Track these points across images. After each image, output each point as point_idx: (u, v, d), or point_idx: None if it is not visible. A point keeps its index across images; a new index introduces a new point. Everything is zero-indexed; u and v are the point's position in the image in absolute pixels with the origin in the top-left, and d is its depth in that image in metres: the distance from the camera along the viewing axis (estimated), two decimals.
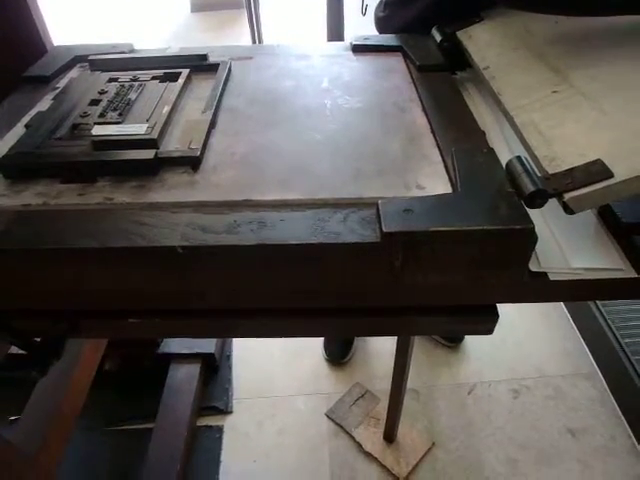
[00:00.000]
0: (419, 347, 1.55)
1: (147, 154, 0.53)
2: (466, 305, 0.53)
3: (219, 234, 0.45)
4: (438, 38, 0.74)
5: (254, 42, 2.57)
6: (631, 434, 1.32)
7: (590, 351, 1.53)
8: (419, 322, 0.54)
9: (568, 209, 0.42)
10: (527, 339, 1.58)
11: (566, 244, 0.49)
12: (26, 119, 0.63)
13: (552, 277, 0.47)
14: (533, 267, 0.47)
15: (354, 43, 0.79)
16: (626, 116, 0.46)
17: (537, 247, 0.47)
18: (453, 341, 1.55)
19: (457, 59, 0.72)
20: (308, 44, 0.82)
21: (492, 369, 1.50)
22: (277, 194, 0.50)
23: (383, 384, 1.42)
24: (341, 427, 1.37)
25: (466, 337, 1.56)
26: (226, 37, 3.81)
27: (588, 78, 0.53)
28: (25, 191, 0.52)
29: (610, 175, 0.41)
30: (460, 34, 0.73)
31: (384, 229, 0.43)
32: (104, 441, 1.36)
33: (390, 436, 1.31)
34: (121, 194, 0.51)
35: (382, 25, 1.00)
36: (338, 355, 1.50)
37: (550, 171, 0.44)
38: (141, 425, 1.38)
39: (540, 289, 0.50)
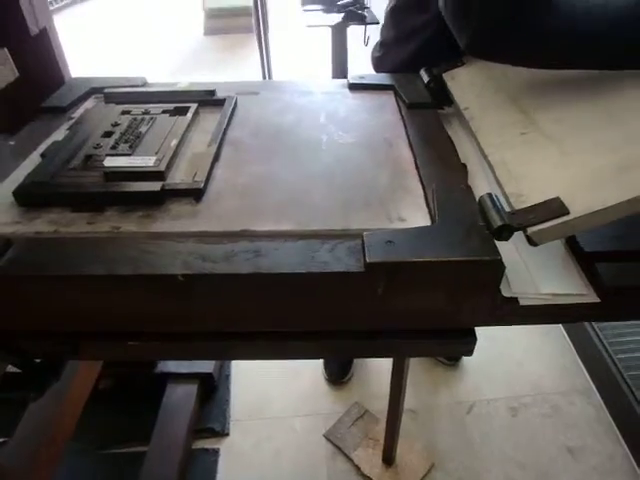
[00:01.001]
0: (418, 365, 1.55)
1: (154, 186, 0.56)
2: (446, 328, 0.55)
3: (217, 263, 0.48)
4: (425, 79, 0.79)
5: (262, 63, 2.67)
6: (628, 452, 1.32)
7: (585, 367, 1.54)
8: (402, 345, 0.57)
9: (531, 241, 0.46)
10: (524, 356, 1.59)
11: (536, 271, 0.53)
12: (42, 147, 0.66)
13: (522, 302, 0.51)
14: (505, 293, 0.51)
15: (351, 82, 0.84)
16: (584, 156, 0.51)
17: (509, 274, 0.52)
18: (452, 359, 1.56)
19: (444, 96, 0.77)
20: (310, 80, 0.87)
21: (490, 386, 1.50)
22: (272, 225, 0.53)
23: (383, 403, 1.38)
24: (339, 449, 1.35)
25: None
26: (236, 57, 4.02)
27: (553, 120, 0.57)
28: (38, 218, 0.54)
29: (566, 212, 0.45)
30: (445, 76, 0.78)
31: (367, 259, 0.46)
32: (96, 464, 1.31)
33: (389, 458, 1.30)
34: (128, 223, 0.54)
35: (377, 64, 1.06)
36: (338, 375, 1.51)
37: (516, 207, 0.49)
38: (135, 448, 1.33)
39: (512, 313, 0.53)
